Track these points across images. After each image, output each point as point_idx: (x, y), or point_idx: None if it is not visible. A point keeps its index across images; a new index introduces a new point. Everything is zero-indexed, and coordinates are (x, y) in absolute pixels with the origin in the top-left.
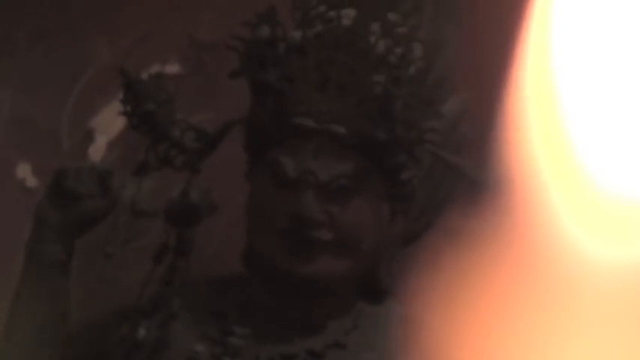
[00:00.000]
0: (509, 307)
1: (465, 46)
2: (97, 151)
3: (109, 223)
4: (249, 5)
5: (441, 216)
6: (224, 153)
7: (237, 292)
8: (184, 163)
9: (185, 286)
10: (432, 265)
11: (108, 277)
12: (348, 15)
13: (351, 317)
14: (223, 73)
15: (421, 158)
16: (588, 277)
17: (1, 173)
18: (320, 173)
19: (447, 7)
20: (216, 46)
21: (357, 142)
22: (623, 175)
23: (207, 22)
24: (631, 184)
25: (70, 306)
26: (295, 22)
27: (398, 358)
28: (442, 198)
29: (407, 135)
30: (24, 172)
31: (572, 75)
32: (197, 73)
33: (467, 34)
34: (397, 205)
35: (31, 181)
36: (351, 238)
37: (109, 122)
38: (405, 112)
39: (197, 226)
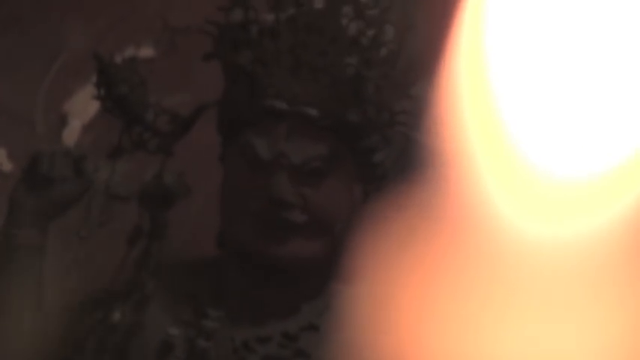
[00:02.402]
0: (442, 282)
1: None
2: (71, 135)
3: (83, 206)
4: None
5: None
6: (197, 136)
7: (212, 275)
8: (158, 147)
9: (159, 269)
10: (371, 241)
11: (82, 261)
12: None
13: (324, 298)
14: (196, 56)
15: (393, 140)
16: (519, 252)
17: None
18: (293, 155)
19: None
20: (189, 29)
21: (330, 124)
22: (555, 152)
23: (181, 6)
24: (563, 162)
25: (44, 289)
26: (268, 6)
27: (366, 336)
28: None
29: (379, 117)
30: None
31: (504, 54)
32: (170, 56)
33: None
34: (369, 187)
35: (7, 166)
36: (324, 220)
37: (83, 106)
38: (376, 93)
39: (171, 209)
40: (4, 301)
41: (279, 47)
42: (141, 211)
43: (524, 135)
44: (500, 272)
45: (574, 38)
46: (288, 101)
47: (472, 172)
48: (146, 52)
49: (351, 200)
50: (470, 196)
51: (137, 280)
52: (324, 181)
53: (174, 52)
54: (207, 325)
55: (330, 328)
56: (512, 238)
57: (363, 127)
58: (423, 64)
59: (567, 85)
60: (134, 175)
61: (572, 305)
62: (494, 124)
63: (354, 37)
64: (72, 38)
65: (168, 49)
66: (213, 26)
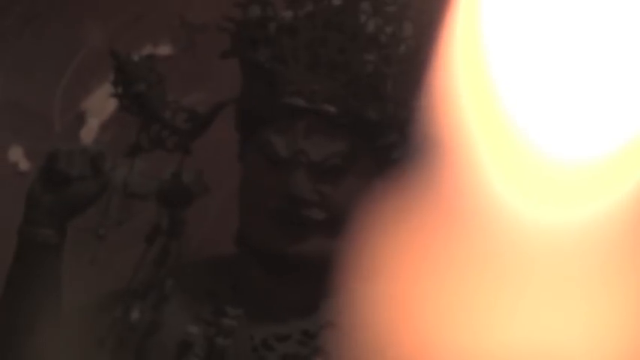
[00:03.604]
0: (452, 273)
1: None
2: (88, 133)
3: (101, 205)
4: None
5: None
6: (216, 134)
7: (230, 273)
8: (176, 145)
9: (178, 267)
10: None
11: (100, 260)
12: None
13: (343, 296)
14: (215, 53)
15: (410, 136)
16: (517, 235)
17: None
18: (312, 153)
19: None
20: (207, 26)
21: (349, 121)
22: (557, 137)
23: (198, 3)
24: (564, 146)
25: (62, 289)
26: (286, 2)
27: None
28: None
29: (398, 114)
30: (16, 155)
31: (503, 40)
32: (188, 54)
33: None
34: (387, 183)
35: (24, 164)
36: (343, 217)
37: (101, 104)
38: (395, 90)
39: (189, 207)
40: (24, 300)
41: (298, 44)
42: (159, 209)
43: (526, 120)
44: (509, 261)
45: (576, 21)
46: (307, 98)
47: (475, 158)
48: (164, 49)
49: (369, 197)
50: (474, 184)
51: (155, 279)
52: (343, 178)
53: (192, 50)
54: (225, 323)
55: (349, 326)
56: (516, 224)
57: (382, 124)
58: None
59: (568, 70)
60: (152, 173)
61: (574, 289)
62: (495, 111)
63: (372, 34)
64: (89, 36)
65: (186, 46)
66: (230, 23)
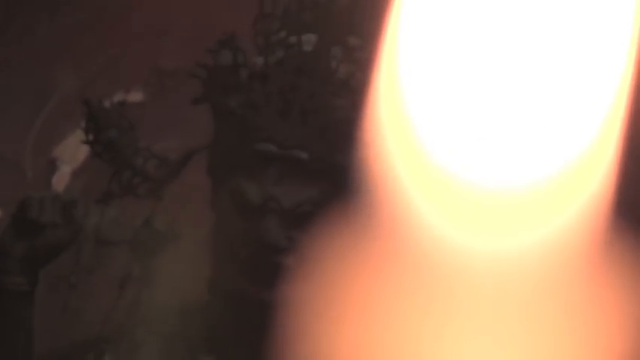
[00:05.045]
0: (381, 300)
1: None
2: (60, 180)
3: (73, 252)
4: (211, 32)
5: None
6: (188, 180)
7: (203, 319)
8: (148, 191)
9: (150, 314)
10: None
11: (72, 307)
12: (309, 40)
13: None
14: (186, 100)
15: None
16: (454, 268)
17: None
18: (283, 200)
19: None
20: (178, 73)
21: (320, 166)
22: (483, 165)
23: (170, 49)
24: (491, 174)
25: (34, 337)
26: (257, 48)
27: None
28: None
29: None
30: None
31: (422, 74)
32: (160, 100)
33: None
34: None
35: None
36: (312, 262)
37: (73, 151)
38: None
39: (161, 253)
40: None
41: (269, 90)
42: (131, 256)
43: (454, 149)
44: (436, 286)
45: (503, 47)
46: (279, 145)
47: (402, 190)
48: (135, 96)
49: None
50: (403, 214)
51: (128, 326)
52: (315, 223)
53: (164, 96)
54: None
55: None
56: (445, 250)
57: (352, 169)
58: None
59: (494, 98)
60: (124, 220)
61: (505, 318)
62: (418, 141)
63: (343, 80)
64: (62, 82)
65: (157, 92)
66: (202, 69)
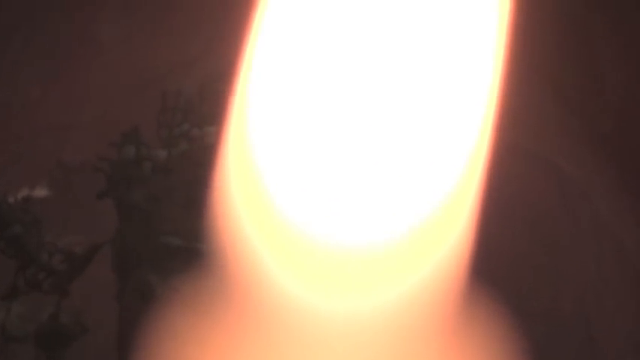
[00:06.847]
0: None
1: None
2: None
3: None
4: (115, 125)
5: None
6: (94, 274)
7: None
8: (53, 286)
9: None
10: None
11: None
12: (211, 132)
13: None
14: (91, 194)
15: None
16: (308, 327)
17: None
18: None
19: None
20: (83, 167)
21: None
22: (338, 224)
23: (74, 144)
24: (346, 232)
25: None
26: (160, 142)
27: None
28: None
29: None
30: None
31: (272, 136)
32: (65, 195)
33: None
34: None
35: None
36: None
37: None
38: None
39: (68, 348)
40: None
41: (173, 183)
42: (38, 351)
43: (308, 209)
44: (288, 345)
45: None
46: (183, 237)
47: (254, 252)
48: (40, 191)
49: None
50: (254, 275)
51: None
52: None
53: (69, 191)
54: None
55: None
56: (298, 310)
57: None
58: None
59: (348, 157)
60: (30, 315)
61: None
62: (270, 203)
63: None
64: None
65: (62, 187)
66: (105, 163)
